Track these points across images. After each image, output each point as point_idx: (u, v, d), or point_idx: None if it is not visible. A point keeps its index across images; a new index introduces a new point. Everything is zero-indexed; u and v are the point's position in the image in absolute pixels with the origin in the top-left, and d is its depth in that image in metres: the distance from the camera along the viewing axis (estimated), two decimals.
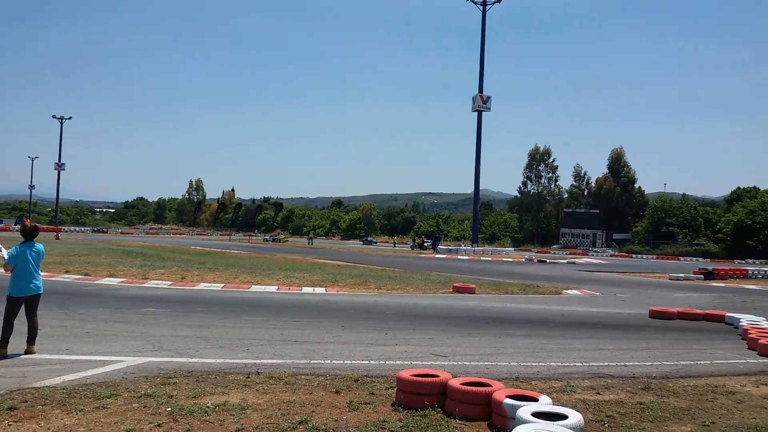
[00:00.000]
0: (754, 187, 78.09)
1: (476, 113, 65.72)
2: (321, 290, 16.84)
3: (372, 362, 7.74)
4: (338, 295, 16.05)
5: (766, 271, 35.15)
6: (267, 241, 71.09)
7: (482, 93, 64.79)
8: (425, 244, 59.78)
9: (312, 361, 7.64)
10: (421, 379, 5.85)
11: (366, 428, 5.08)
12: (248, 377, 6.70)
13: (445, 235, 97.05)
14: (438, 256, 47.84)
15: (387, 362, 7.75)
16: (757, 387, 7.50)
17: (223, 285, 17.06)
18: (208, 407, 5.48)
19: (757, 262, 56.29)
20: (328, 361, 7.68)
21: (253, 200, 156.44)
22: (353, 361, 7.73)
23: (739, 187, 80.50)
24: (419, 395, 5.73)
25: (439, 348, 8.91)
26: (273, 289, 16.78)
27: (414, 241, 68.93)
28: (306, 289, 16.85)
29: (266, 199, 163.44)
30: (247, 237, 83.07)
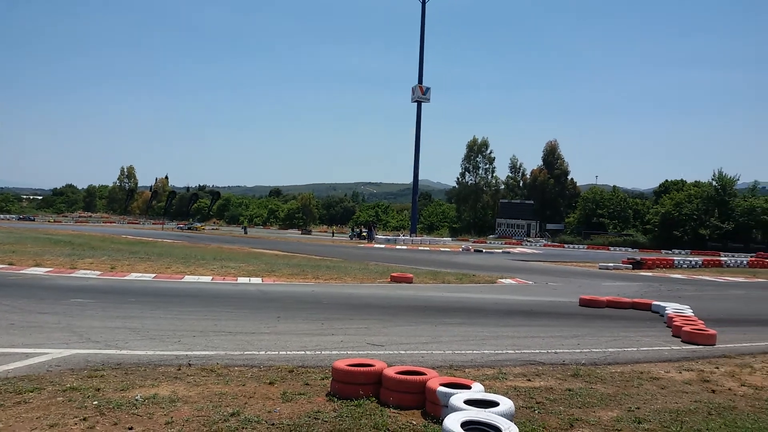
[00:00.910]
0: (681, 180, 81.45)
1: (416, 104, 66.12)
2: (257, 280, 16.63)
3: (307, 353, 7.69)
4: (275, 285, 15.88)
5: (691, 261, 36.72)
6: (182, 229, 69.52)
7: (422, 84, 65.25)
8: (363, 234, 59.77)
9: (246, 353, 7.53)
10: (355, 368, 5.85)
11: (299, 419, 5.05)
12: (179, 369, 6.56)
13: (384, 225, 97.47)
14: (377, 245, 47.98)
15: (323, 352, 7.72)
16: (680, 373, 7.83)
17: (154, 275, 16.64)
18: (136, 400, 5.33)
19: (683, 252, 58.81)
20: (263, 352, 7.59)
21: (188, 188, 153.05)
22: (288, 352, 7.67)
23: (666, 180, 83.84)
24: (354, 385, 5.73)
25: (375, 337, 8.94)
26: (207, 279, 16.47)
27: (353, 230, 68.84)
28: (241, 280, 16.61)
29: (202, 188, 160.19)
30: (159, 225, 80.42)
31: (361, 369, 5.85)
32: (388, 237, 58.40)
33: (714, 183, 72.06)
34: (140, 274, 16.61)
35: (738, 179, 72.78)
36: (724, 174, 71.68)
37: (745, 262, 39.94)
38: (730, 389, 7.07)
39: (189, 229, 70.28)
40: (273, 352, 7.62)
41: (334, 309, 11.86)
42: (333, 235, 71.08)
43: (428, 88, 65.19)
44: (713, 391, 6.91)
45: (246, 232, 65.19)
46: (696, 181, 77.68)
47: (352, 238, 59.87)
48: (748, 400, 6.59)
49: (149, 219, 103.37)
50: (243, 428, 4.80)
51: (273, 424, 4.91)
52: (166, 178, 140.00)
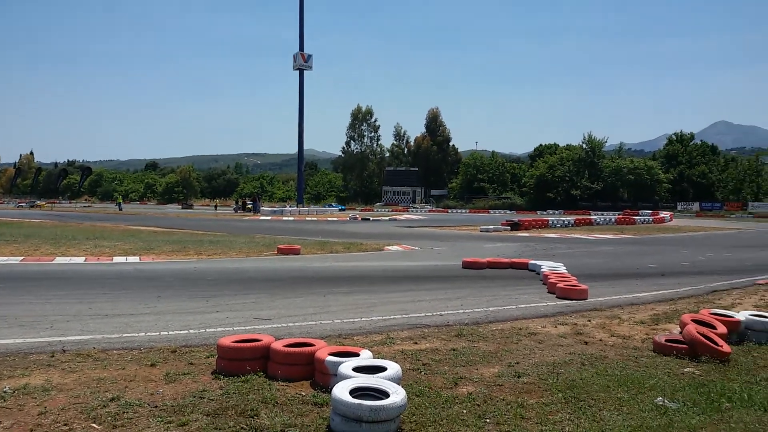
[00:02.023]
0: (554, 144, 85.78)
1: (298, 72, 65.08)
2: (134, 259, 15.88)
3: (191, 331, 7.44)
4: (154, 263, 15.24)
5: (564, 221, 38.85)
6: (22, 207, 65.43)
7: (303, 51, 64.19)
8: (248, 206, 58.58)
9: (125, 335, 7.18)
10: (241, 344, 5.72)
11: (184, 399, 4.89)
12: (53, 356, 6.15)
13: (270, 196, 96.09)
14: (263, 218, 47.22)
15: (207, 330, 7.50)
16: (555, 327, 8.28)
17: (22, 258, 15.50)
18: (5, 392, 4.96)
19: (557, 212, 62.17)
20: (143, 334, 7.26)
21: (56, 164, 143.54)
22: (171, 332, 7.38)
23: (541, 144, 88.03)
24: (240, 361, 5.61)
25: (262, 312, 8.79)
26: (80, 260, 15.53)
27: (237, 203, 67.30)
28: (117, 259, 15.80)
29: (71, 163, 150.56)
30: (24, 204, 74.92)
31: (248, 344, 5.73)
32: (275, 208, 57.58)
33: (584, 146, 76.47)
34: (6, 258, 15.41)
35: (606, 142, 77.74)
36: (593, 137, 76.19)
37: (613, 219, 42.79)
38: (601, 340, 7.55)
39: (32, 206, 65.85)
40: (154, 333, 7.31)
41: (218, 285, 11.54)
42: (216, 209, 69.13)
43: (310, 56, 64.26)
44: (586, 343, 7.36)
45: (121, 209, 62.00)
46: (568, 145, 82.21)
47: (236, 211, 58.50)
48: (617, 350, 7.06)
49: (15, 198, 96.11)
50: (124, 413, 4.58)
51: (156, 407, 4.72)
52: (31, 153, 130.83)
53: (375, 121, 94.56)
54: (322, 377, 5.36)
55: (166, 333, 7.33)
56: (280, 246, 18.44)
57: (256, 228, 32.05)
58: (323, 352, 5.50)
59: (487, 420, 4.61)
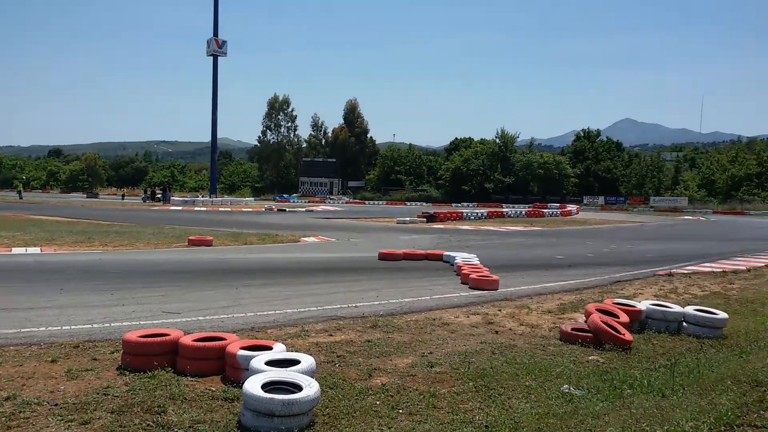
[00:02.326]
0: (469, 138, 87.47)
1: (212, 58, 63.49)
2: (35, 250, 15.03)
3: (95, 326, 7.11)
4: (56, 254, 14.47)
5: (477, 213, 39.73)
6: None
7: (217, 37, 62.66)
8: (158, 196, 56.65)
9: (23, 330, 6.78)
10: (148, 339, 5.52)
11: (87, 396, 4.66)
12: None
13: (181, 186, 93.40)
14: (173, 208, 45.80)
15: (112, 324, 7.18)
16: (468, 317, 8.44)
17: None
18: None
19: (471, 205, 63.50)
20: (43, 329, 6.88)
21: None
22: (73, 327, 7.03)
23: (456, 138, 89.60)
24: (147, 356, 5.41)
25: (171, 305, 8.51)
26: None
27: (146, 192, 64.98)
28: (16, 250, 14.92)
29: None
30: None
31: (155, 339, 5.53)
32: (186, 198, 55.92)
33: (497, 140, 78.43)
34: None
35: (518, 137, 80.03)
36: (506, 132, 78.25)
37: (523, 212, 44.14)
38: (510, 329, 7.75)
39: None
40: (55, 328, 6.94)
41: (125, 277, 11.08)
42: (123, 198, 66.45)
43: (225, 42, 62.76)
44: (497, 332, 7.54)
45: (21, 197, 58.58)
46: (482, 139, 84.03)
47: (145, 201, 56.43)
48: (526, 338, 7.27)
49: None
50: (20, 412, 4.32)
51: (56, 405, 4.48)
52: None
53: (292, 110, 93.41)
54: (233, 372, 5.24)
55: (68, 327, 6.98)
56: (191, 237, 17.90)
57: (165, 218, 30.99)
58: (234, 346, 5.38)
59: (400, 410, 4.63)
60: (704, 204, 64.86)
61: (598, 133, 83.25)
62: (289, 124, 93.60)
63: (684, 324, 7.93)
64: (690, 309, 8.10)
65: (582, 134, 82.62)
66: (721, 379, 4.62)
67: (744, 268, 15.12)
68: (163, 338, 5.58)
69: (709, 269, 14.76)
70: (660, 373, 5.76)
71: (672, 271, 14.09)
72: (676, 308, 8.20)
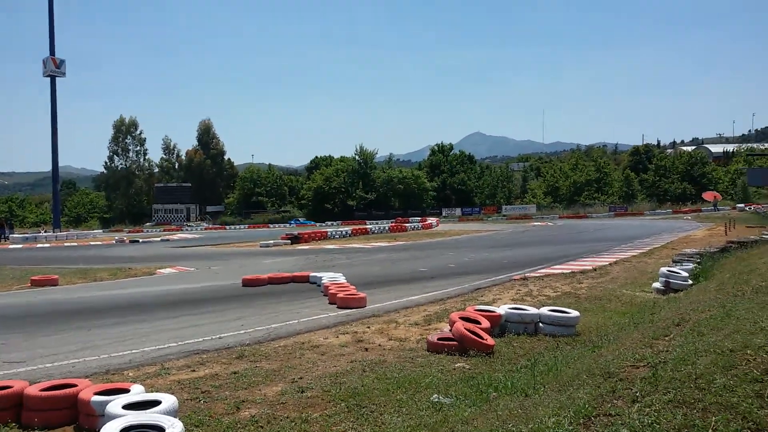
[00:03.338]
0: (329, 156, 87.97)
1: (49, 78, 59.49)
2: None
3: None
4: None
5: (342, 231, 39.92)
6: None
7: (54, 56, 58.81)
8: None
9: None
10: None
11: None
12: None
13: (21, 221, 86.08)
14: (13, 246, 42.13)
15: None
16: (337, 337, 8.38)
17: None
18: None
19: (335, 223, 63.69)
20: None
21: None
22: None
23: (317, 156, 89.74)
24: None
25: (13, 354, 7.76)
26: None
27: None
28: None
29: None
30: None
31: None
32: (27, 235, 51.66)
33: (357, 157, 79.58)
34: None
35: (377, 153, 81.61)
36: (365, 149, 79.60)
37: (387, 228, 44.92)
38: (380, 345, 7.79)
39: None
40: None
41: None
42: None
43: (62, 61, 59.00)
44: (366, 350, 7.54)
45: None
46: (342, 157, 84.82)
47: None
48: (395, 352, 7.33)
49: None
50: None
51: None
52: None
53: (141, 133, 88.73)
54: (87, 420, 4.89)
55: None
56: (33, 278, 16.45)
57: (5, 258, 28.36)
58: (88, 391, 5.03)
59: None
60: (551, 210, 69.40)
61: (451, 147, 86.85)
62: (138, 147, 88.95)
63: (540, 324, 8.36)
64: (545, 310, 8.56)
65: (437, 148, 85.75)
66: (577, 374, 4.87)
67: (590, 267, 16.27)
68: (4, 391, 5.06)
69: (560, 271, 15.74)
70: (522, 374, 6.00)
71: (526, 275, 14.88)
72: (532, 310, 8.63)
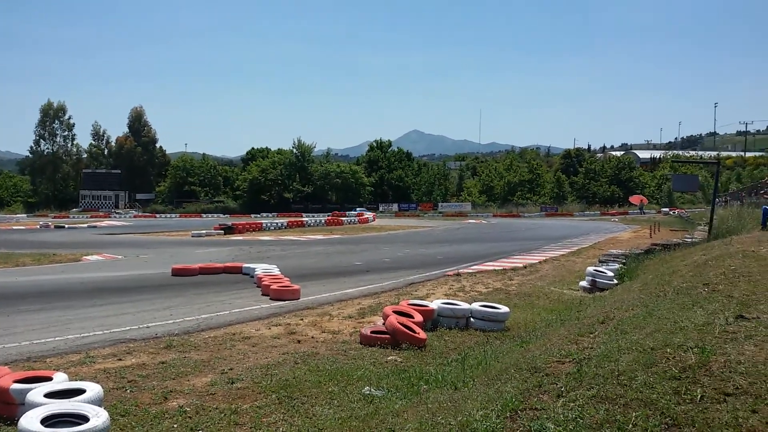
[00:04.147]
0: (266, 148, 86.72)
1: None
2: None
3: None
4: None
5: (277, 223, 39.51)
6: None
7: None
8: None
9: None
10: None
11: None
12: None
13: None
14: None
15: None
16: (269, 329, 8.31)
17: None
18: None
19: (270, 215, 62.91)
20: None
21: None
22: None
23: (253, 148, 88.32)
24: None
25: None
26: None
27: None
28: None
29: None
30: None
31: None
32: None
33: (294, 150, 78.85)
34: None
35: (314, 147, 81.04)
36: (302, 142, 78.91)
37: (323, 221, 44.75)
38: (313, 337, 7.77)
39: None
40: None
41: None
42: None
43: None
44: (299, 342, 7.51)
45: None
46: (279, 149, 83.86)
47: None
48: (328, 345, 7.33)
49: None
50: None
51: None
52: None
53: (69, 118, 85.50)
54: (6, 408, 4.72)
55: None
56: None
57: None
58: (6, 379, 4.84)
59: (200, 431, 4.42)
60: (485, 208, 70.59)
61: (390, 143, 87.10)
62: (66, 132, 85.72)
63: (471, 319, 8.52)
64: (476, 305, 8.72)
65: (375, 145, 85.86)
66: (505, 368, 4.99)
67: (521, 265, 16.66)
68: None
69: (492, 267, 16.06)
70: (452, 368, 6.10)
71: (459, 270, 15.11)
72: (464, 305, 8.79)
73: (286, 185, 75.52)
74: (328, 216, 50.94)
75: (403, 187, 78.97)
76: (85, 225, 44.12)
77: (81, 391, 4.54)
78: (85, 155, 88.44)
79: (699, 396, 3.36)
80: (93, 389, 4.59)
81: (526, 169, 76.86)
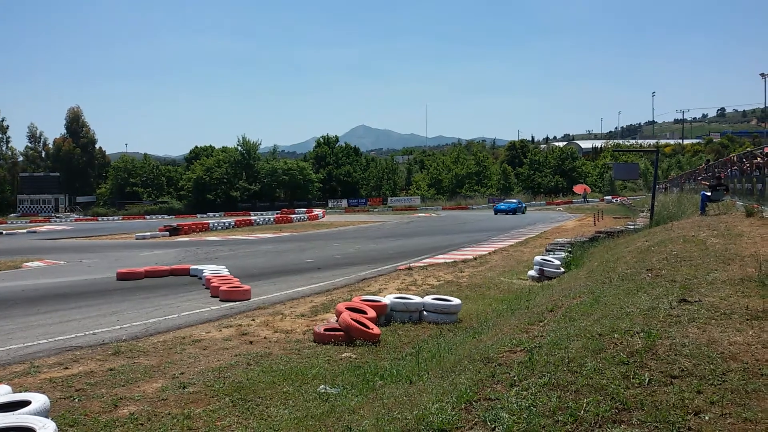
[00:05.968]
0: (210, 146, 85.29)
1: None
2: None
3: None
4: None
5: (225, 223, 38.92)
6: None
7: None
8: None
9: None
10: None
11: None
12: None
13: None
14: None
15: None
16: (220, 331, 8.19)
17: None
18: None
19: (217, 215, 61.98)
20: None
21: None
22: None
23: (197, 146, 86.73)
24: None
25: None
26: None
27: None
28: None
29: None
30: None
31: None
32: None
33: (239, 148, 77.81)
34: None
35: (260, 144, 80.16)
36: (247, 140, 77.93)
37: (272, 219, 44.29)
38: (265, 338, 7.70)
39: None
40: None
41: None
42: None
43: None
44: (251, 343, 7.43)
45: None
46: (224, 147, 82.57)
47: None
48: (281, 345, 7.27)
49: None
50: None
51: None
52: None
53: (3, 120, 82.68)
54: None
55: None
56: None
57: None
58: None
59: None
60: (434, 201, 71.15)
61: (337, 139, 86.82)
62: (1, 135, 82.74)
63: (424, 313, 8.58)
64: (428, 298, 8.79)
65: (322, 140, 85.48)
66: (459, 360, 5.04)
67: (471, 257, 16.86)
68: None
69: (443, 260, 16.20)
70: (407, 362, 6.13)
71: (411, 264, 15.20)
72: (417, 299, 8.85)
73: (233, 184, 74.48)
74: (277, 214, 50.48)
75: (351, 182, 78.85)
76: (25, 230, 42.59)
77: (26, 403, 4.40)
78: (21, 158, 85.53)
79: (647, 379, 3.46)
80: (39, 400, 4.45)
81: (473, 162, 77.74)
